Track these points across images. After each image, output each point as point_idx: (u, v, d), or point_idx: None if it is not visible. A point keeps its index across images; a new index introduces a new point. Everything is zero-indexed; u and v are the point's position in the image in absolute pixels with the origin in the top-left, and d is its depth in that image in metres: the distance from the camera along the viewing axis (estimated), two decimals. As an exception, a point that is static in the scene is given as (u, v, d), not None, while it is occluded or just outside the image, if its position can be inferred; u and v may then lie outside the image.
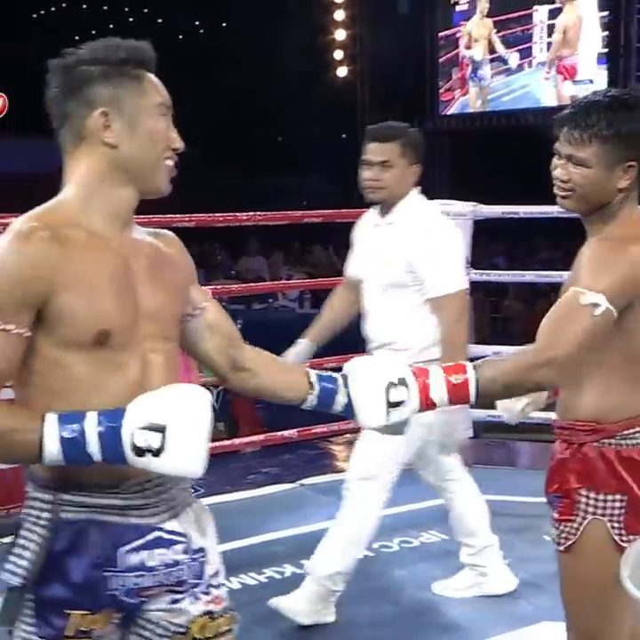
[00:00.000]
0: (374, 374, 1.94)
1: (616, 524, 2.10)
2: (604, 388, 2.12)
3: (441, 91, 14.36)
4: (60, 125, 1.69)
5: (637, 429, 2.12)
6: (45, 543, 1.63)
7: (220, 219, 4.87)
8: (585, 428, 2.13)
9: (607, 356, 2.09)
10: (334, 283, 4.03)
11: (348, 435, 5.47)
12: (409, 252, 3.22)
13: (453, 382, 1.95)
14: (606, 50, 11.53)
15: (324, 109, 14.74)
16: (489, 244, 11.74)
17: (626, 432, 2.12)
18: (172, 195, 2.42)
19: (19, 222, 1.61)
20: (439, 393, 1.94)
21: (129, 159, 1.66)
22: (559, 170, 2.13)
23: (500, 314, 10.48)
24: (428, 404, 1.95)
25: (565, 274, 5.19)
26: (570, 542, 2.14)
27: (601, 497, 2.11)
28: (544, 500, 4.25)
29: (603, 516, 2.11)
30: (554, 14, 12.41)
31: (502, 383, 2.00)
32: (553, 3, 12.37)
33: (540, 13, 12.63)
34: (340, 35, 14.96)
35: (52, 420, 1.54)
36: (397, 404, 1.91)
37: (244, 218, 4.83)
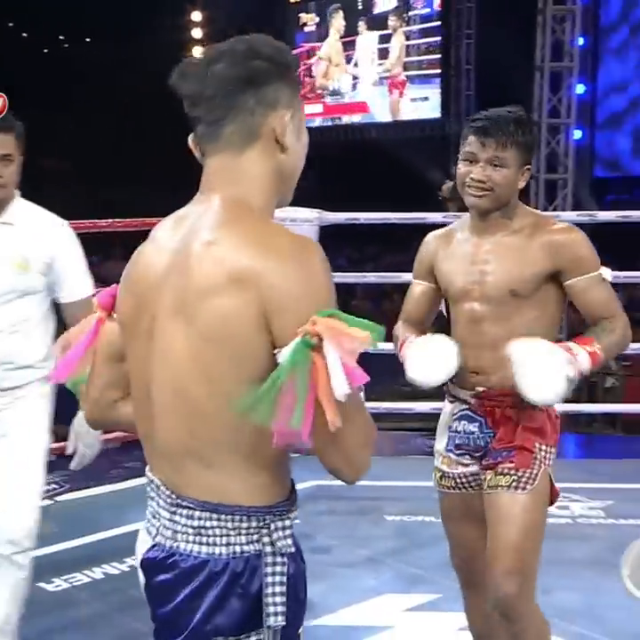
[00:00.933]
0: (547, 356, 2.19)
1: (550, 469, 2.34)
2: None
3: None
4: (219, 118, 1.41)
5: None
6: (286, 570, 1.41)
7: (81, 225, 4.77)
8: None
9: (544, 324, 2.32)
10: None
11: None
12: (41, 253, 2.70)
13: (590, 351, 2.21)
14: (439, 71, 11.84)
15: (182, 124, 14.55)
16: (334, 247, 11.88)
17: None
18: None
19: (281, 238, 1.36)
20: (585, 363, 2.19)
21: (289, 167, 1.45)
22: (478, 172, 2.28)
23: (348, 312, 10.62)
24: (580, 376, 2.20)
25: (405, 275, 5.24)
26: (531, 486, 2.31)
27: (548, 448, 2.34)
28: (384, 483, 4.36)
29: (548, 465, 2.33)
30: (384, 39, 12.71)
31: (610, 353, 2.29)
32: (382, 29, 12.66)
33: (368, 38, 12.93)
34: (198, 52, 14.88)
35: None
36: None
37: (104, 225, 4.74)
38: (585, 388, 7.79)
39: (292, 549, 1.41)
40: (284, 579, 1.39)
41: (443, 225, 5.06)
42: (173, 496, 1.42)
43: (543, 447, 2.32)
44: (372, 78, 13.12)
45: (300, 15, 14.24)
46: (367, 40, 12.94)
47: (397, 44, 12.45)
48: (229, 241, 1.35)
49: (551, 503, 2.37)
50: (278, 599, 1.39)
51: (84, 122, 15.72)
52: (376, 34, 12.87)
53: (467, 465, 2.39)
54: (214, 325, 1.34)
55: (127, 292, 1.48)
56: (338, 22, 13.66)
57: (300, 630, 1.46)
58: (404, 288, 2.60)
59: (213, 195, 1.41)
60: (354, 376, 1.27)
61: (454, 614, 3.17)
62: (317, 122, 14.43)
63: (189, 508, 1.40)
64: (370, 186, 10.93)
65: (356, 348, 1.29)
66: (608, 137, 12.84)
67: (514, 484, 2.29)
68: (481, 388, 2.34)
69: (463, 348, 2.36)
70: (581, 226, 2.51)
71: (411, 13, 12.44)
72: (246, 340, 1.33)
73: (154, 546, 1.45)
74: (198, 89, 1.41)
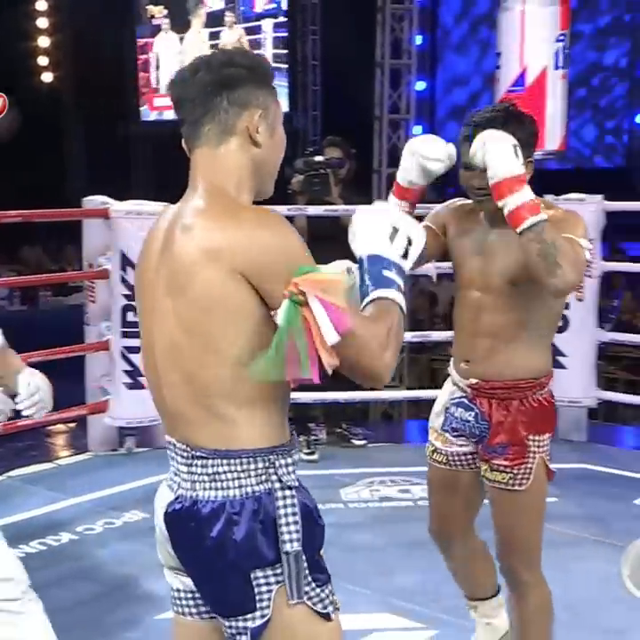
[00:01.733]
0: None
1: (547, 455, 2.40)
2: (542, 346, 2.36)
3: (143, 97, 14.21)
4: (199, 117, 1.61)
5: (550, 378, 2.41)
6: (297, 501, 1.59)
7: None
8: (532, 384, 2.34)
9: (542, 316, 2.31)
10: (43, 280, 3.83)
11: (58, 425, 5.33)
12: None
13: (531, 202, 2.11)
14: (286, 65, 11.85)
15: (29, 115, 14.07)
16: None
17: (549, 382, 2.39)
18: None
19: (247, 212, 1.56)
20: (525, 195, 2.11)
21: (265, 161, 1.65)
22: (476, 181, 2.29)
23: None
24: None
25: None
26: (528, 482, 2.35)
27: (541, 437, 2.37)
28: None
29: (542, 452, 2.38)
30: (214, 35, 12.70)
31: (546, 240, 2.10)
32: (217, 26, 12.61)
33: (203, 34, 12.89)
34: (45, 41, 14.43)
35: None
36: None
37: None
38: (428, 376, 7.95)
39: (296, 483, 1.59)
40: (296, 509, 1.57)
41: (290, 218, 5.10)
42: (188, 449, 1.59)
43: (537, 438, 2.37)
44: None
45: (148, 7, 13.94)
46: (202, 36, 12.88)
47: (233, 40, 12.44)
48: (203, 223, 1.55)
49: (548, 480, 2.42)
50: (292, 528, 1.56)
51: None
52: (208, 31, 12.85)
53: (461, 445, 2.47)
54: (203, 295, 1.52)
55: (136, 282, 1.70)
56: (202, 17, 13.46)
57: (321, 551, 1.63)
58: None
59: (197, 183, 1.62)
60: (340, 321, 1.45)
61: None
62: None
63: (203, 457, 1.58)
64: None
65: (337, 291, 1.46)
66: (449, 131, 13.20)
67: (511, 481, 2.37)
68: (474, 380, 2.39)
69: (460, 334, 2.44)
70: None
71: (255, 10, 12.42)
72: (234, 303, 1.51)
73: (176, 499, 1.62)
74: (182, 94, 1.62)
